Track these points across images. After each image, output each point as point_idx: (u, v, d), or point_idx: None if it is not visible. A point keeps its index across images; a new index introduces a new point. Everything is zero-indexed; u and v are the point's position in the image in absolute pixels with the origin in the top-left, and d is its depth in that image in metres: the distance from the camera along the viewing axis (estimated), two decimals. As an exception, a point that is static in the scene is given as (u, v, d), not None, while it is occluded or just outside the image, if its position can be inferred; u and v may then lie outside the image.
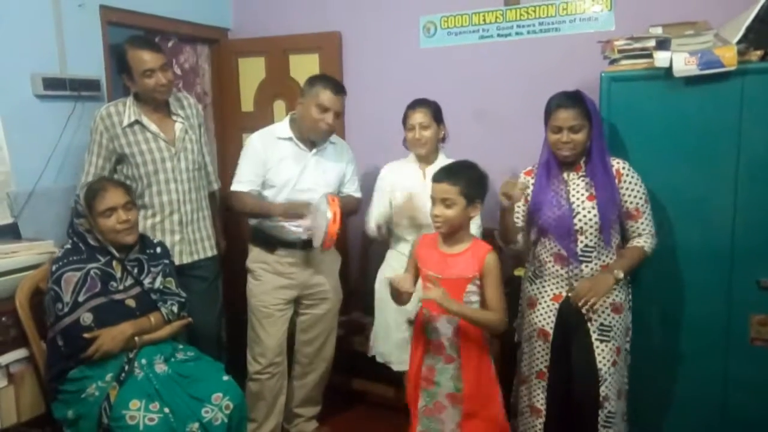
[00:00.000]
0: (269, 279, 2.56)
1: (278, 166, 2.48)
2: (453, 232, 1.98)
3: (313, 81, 2.47)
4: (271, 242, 2.54)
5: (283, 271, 2.55)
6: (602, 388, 2.09)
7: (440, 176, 1.97)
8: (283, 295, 2.57)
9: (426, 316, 2.03)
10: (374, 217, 2.57)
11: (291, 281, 2.56)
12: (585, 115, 2.05)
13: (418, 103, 2.49)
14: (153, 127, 2.46)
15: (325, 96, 2.40)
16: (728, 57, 2.05)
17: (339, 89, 2.45)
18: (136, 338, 2.10)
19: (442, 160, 2.45)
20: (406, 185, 2.50)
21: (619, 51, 2.26)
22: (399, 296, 1.99)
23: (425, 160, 2.50)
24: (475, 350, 1.97)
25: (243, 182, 2.49)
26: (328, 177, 2.53)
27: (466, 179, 1.94)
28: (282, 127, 2.54)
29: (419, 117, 2.45)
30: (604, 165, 2.07)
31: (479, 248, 1.97)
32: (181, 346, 2.25)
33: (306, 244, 2.49)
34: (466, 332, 1.96)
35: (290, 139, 2.50)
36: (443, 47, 3.06)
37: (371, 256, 3.25)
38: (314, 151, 2.52)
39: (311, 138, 2.49)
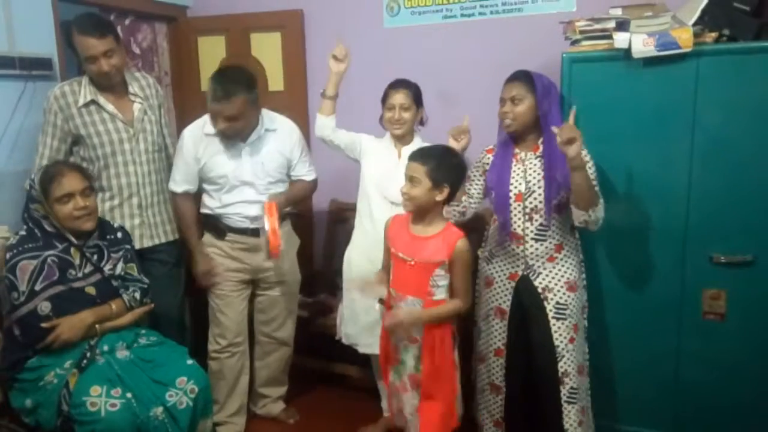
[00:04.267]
0: (221, 262, 2.53)
1: (212, 161, 2.42)
2: (422, 214, 2.00)
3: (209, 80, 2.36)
4: (221, 228, 2.50)
5: (235, 255, 2.52)
6: (561, 364, 2.14)
7: (414, 155, 2.02)
8: (237, 277, 2.55)
9: (393, 296, 2.05)
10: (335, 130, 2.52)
11: (243, 265, 2.53)
12: (528, 89, 2.09)
13: (400, 84, 2.45)
14: (110, 107, 2.38)
15: (210, 102, 2.30)
16: (684, 39, 2.09)
17: (221, 95, 2.25)
18: (97, 326, 2.06)
19: (418, 143, 2.45)
20: (382, 163, 2.48)
21: (580, 32, 2.28)
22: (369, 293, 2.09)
23: (401, 141, 2.48)
24: (437, 333, 1.99)
25: (177, 182, 2.48)
26: (267, 167, 2.46)
27: (436, 161, 1.96)
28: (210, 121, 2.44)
29: (400, 98, 2.41)
30: (552, 144, 2.06)
31: (451, 234, 1.98)
32: (143, 331, 2.21)
33: (256, 231, 2.47)
34: None
35: (216, 135, 2.41)
36: (407, 27, 3.04)
37: (336, 237, 3.25)
38: (247, 141, 2.43)
39: (231, 141, 2.41)
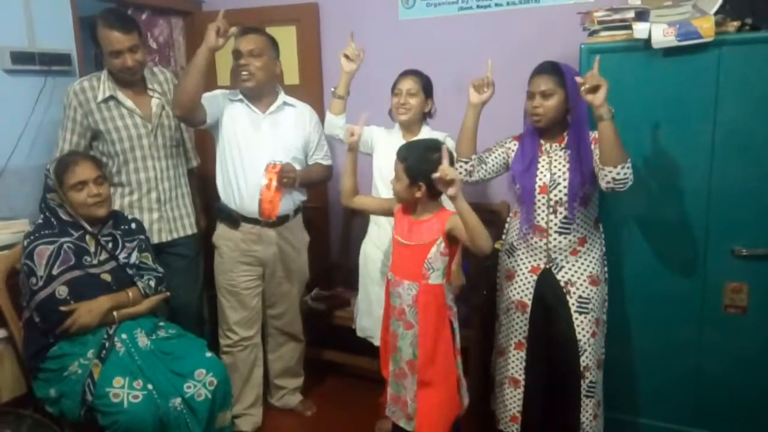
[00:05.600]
0: (233, 256, 2.53)
1: (232, 125, 2.45)
2: (413, 205, 2.00)
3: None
4: (234, 218, 2.51)
5: (246, 248, 2.52)
6: (582, 359, 2.13)
7: (398, 150, 2.01)
8: (248, 272, 2.55)
9: (391, 281, 2.05)
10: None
11: (254, 258, 2.54)
12: (558, 83, 2.06)
13: (409, 72, 2.46)
14: (128, 102, 2.40)
15: (234, 44, 2.41)
16: (706, 28, 2.06)
17: (244, 31, 2.42)
18: (114, 313, 2.09)
19: (426, 133, 2.44)
20: (387, 152, 2.46)
21: (599, 22, 2.25)
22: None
23: (409, 130, 2.47)
24: (433, 319, 1.97)
25: None
26: (286, 141, 2.49)
27: (413, 158, 1.93)
28: (236, 91, 2.52)
29: (408, 83, 2.42)
30: (581, 138, 2.07)
31: (443, 213, 1.98)
32: (162, 324, 2.24)
33: (268, 222, 2.48)
34: (425, 300, 1.97)
35: (241, 100, 2.48)
36: (423, 19, 3.03)
37: (353, 230, 3.26)
38: (267, 112, 2.49)
39: (244, 89, 2.45)
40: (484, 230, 1.86)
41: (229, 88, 2.58)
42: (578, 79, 1.92)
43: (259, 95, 2.47)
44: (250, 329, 2.61)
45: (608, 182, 1.97)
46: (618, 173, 1.94)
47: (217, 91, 2.50)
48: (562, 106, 2.08)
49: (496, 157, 2.24)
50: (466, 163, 2.18)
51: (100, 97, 2.36)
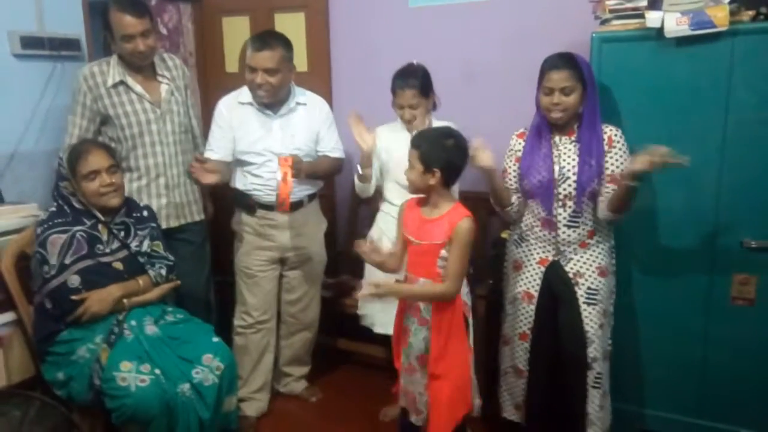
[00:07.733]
0: (251, 240, 2.57)
1: (244, 130, 2.47)
2: (426, 197, 2.00)
3: (246, 42, 2.45)
4: (251, 204, 2.54)
5: (264, 233, 2.55)
6: (590, 350, 2.13)
7: (412, 138, 2.01)
8: (265, 256, 2.58)
9: (408, 279, 2.05)
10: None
11: (272, 243, 2.57)
12: (578, 78, 2.03)
13: (406, 80, 2.41)
14: (138, 88, 2.40)
15: (249, 55, 2.37)
16: (720, 17, 2.03)
17: (260, 45, 2.34)
18: (125, 301, 2.11)
19: (432, 125, 2.43)
20: (394, 148, 2.47)
21: (611, 11, 2.23)
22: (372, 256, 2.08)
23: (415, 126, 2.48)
24: (447, 314, 1.96)
25: (213, 150, 2.51)
26: (297, 140, 2.49)
27: (427, 145, 1.92)
28: (245, 91, 2.50)
29: (408, 97, 2.39)
30: (593, 131, 2.06)
31: (456, 214, 1.94)
32: (170, 309, 2.26)
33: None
34: None
35: (250, 104, 2.48)
36: (433, 6, 2.99)
37: (360, 218, 3.26)
38: (278, 113, 2.48)
39: (257, 101, 2.45)
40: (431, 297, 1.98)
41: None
42: (652, 149, 1.87)
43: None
44: (265, 313, 2.64)
45: (604, 217, 2.10)
46: (616, 217, 2.07)
47: (223, 119, 2.49)
48: (581, 100, 2.05)
49: (515, 173, 2.22)
50: (512, 206, 2.21)
51: (110, 82, 2.36)
